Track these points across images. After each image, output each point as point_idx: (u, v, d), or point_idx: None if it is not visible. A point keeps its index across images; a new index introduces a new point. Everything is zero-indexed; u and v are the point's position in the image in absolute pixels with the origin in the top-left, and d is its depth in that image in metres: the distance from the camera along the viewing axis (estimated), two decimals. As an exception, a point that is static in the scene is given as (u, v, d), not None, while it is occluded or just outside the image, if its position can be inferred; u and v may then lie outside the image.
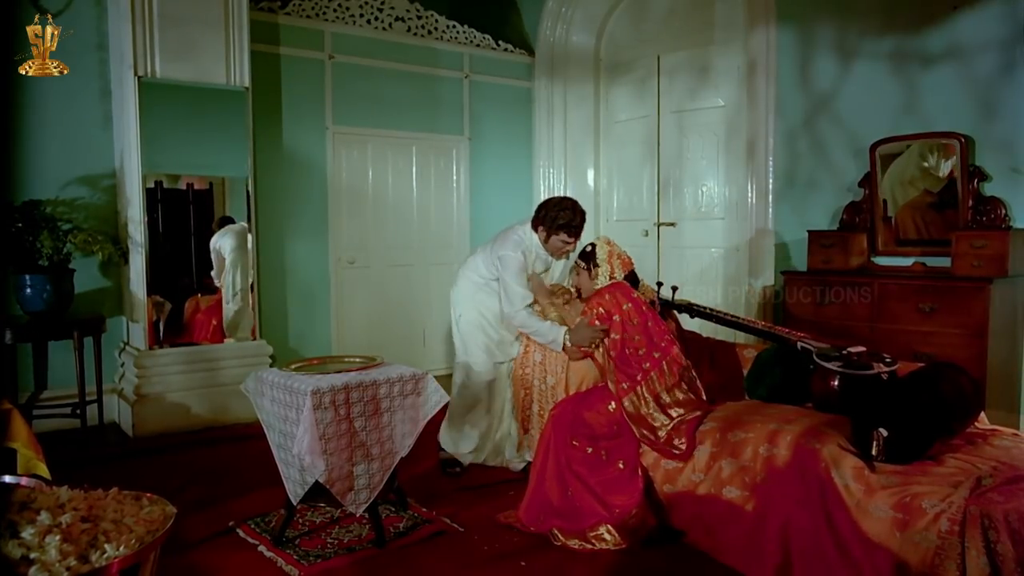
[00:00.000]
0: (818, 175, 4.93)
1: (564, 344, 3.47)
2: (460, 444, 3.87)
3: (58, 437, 4.26)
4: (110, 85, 4.76)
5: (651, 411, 3.13)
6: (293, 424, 2.91)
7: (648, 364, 3.21)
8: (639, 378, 3.18)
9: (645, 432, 3.10)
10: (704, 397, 3.29)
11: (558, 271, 3.94)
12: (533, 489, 3.17)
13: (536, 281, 3.75)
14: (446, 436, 3.90)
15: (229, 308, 5.01)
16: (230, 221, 5.07)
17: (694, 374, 3.31)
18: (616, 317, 3.30)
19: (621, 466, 3.10)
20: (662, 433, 3.08)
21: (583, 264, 3.52)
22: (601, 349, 3.32)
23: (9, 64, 4.02)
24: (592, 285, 3.51)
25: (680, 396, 3.18)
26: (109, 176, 4.78)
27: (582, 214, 3.71)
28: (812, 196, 4.95)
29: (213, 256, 4.99)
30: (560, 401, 3.40)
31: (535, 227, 3.73)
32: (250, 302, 5.02)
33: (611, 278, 3.45)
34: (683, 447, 3.04)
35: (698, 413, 3.13)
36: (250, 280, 5.02)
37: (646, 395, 3.16)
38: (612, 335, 3.29)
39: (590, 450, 3.13)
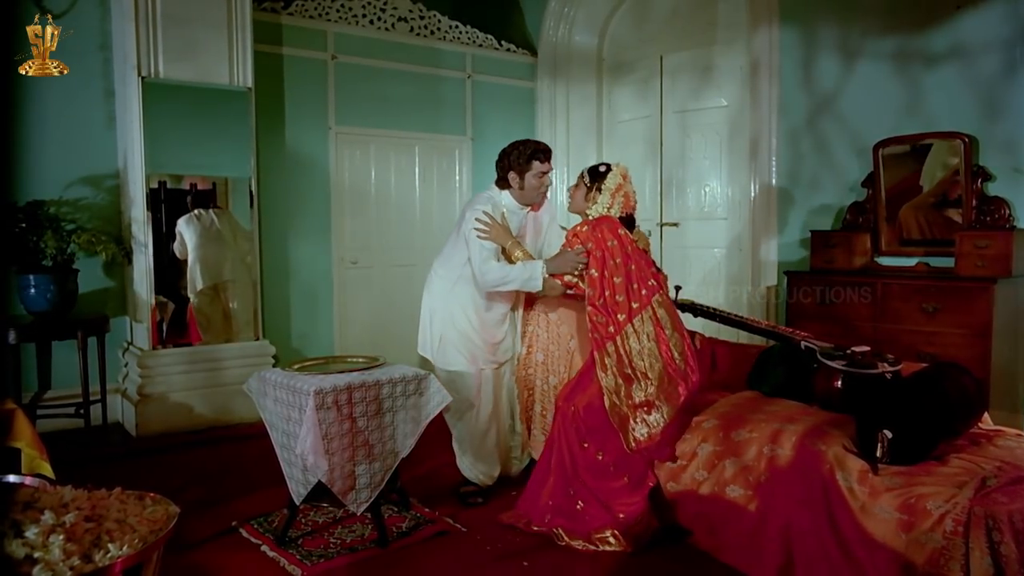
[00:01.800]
0: (821, 175, 4.91)
1: (544, 279, 3.23)
2: (480, 468, 3.60)
3: (62, 437, 4.27)
4: (113, 85, 4.76)
5: (625, 371, 3.03)
6: (296, 424, 2.91)
7: (623, 316, 3.08)
8: (612, 331, 3.07)
9: (615, 401, 3.03)
10: (693, 365, 3.09)
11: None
12: (536, 485, 3.16)
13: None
14: (465, 464, 3.61)
15: (196, 305, 4.82)
16: (204, 204, 4.82)
17: (687, 348, 3.14)
18: (599, 253, 3.13)
19: (626, 480, 3.05)
20: (626, 403, 3.01)
21: (587, 180, 3.34)
22: (585, 280, 3.16)
23: (11, 64, 4.03)
24: (584, 207, 3.33)
25: (655, 364, 3.04)
26: (112, 176, 4.79)
27: (544, 143, 3.51)
28: (815, 196, 4.94)
29: (177, 239, 4.78)
30: (560, 393, 3.30)
31: (504, 182, 3.51)
32: (222, 302, 4.89)
33: (607, 211, 3.27)
34: (634, 447, 2.99)
35: (670, 413, 3.02)
36: (214, 281, 4.87)
37: (621, 352, 3.05)
38: (591, 272, 3.12)
39: (600, 456, 3.06)
